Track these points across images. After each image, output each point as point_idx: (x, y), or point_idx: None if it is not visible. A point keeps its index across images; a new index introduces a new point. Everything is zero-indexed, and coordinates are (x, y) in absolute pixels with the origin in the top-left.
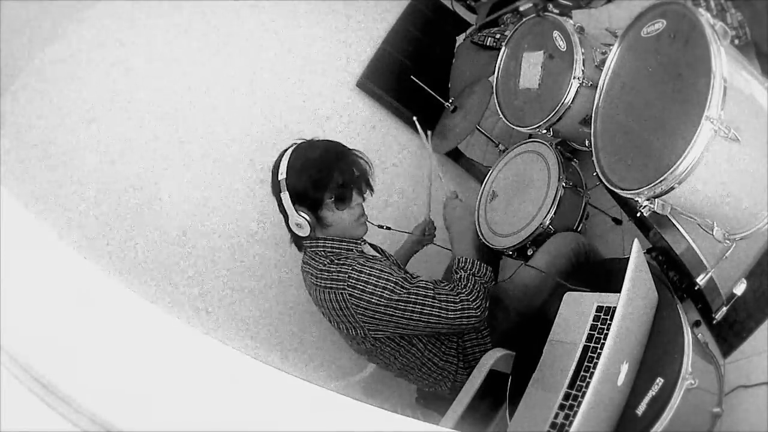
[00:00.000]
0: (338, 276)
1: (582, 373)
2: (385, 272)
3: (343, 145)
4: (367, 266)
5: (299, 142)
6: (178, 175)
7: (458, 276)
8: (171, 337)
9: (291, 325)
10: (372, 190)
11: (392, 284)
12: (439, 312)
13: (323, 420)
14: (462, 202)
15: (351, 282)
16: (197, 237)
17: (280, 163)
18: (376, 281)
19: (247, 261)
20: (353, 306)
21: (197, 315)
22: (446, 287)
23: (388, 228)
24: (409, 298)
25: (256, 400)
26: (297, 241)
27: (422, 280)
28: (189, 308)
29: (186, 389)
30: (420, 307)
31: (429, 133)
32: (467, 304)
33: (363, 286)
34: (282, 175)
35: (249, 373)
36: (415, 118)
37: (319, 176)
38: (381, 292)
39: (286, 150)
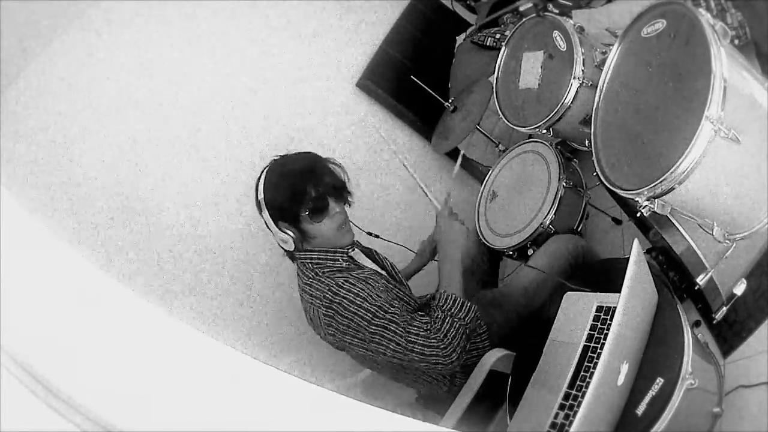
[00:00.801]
0: (317, 293)
1: (582, 373)
2: (361, 295)
3: (317, 156)
4: (345, 287)
5: (275, 158)
6: (177, 175)
7: (436, 315)
8: (171, 337)
9: (291, 325)
10: (350, 195)
11: (363, 311)
12: (404, 350)
13: (323, 420)
14: (460, 223)
15: (325, 302)
16: (198, 238)
17: (258, 183)
18: (348, 305)
19: (246, 262)
20: (326, 325)
21: (197, 315)
22: (421, 324)
23: (377, 236)
24: (376, 330)
25: (256, 400)
26: (288, 254)
27: (396, 314)
28: (189, 308)
29: (186, 389)
30: (386, 341)
31: (462, 153)
32: (437, 350)
33: (336, 307)
34: (260, 194)
35: (249, 373)
36: (461, 156)
37: (293, 191)
38: (351, 316)
39: (264, 169)
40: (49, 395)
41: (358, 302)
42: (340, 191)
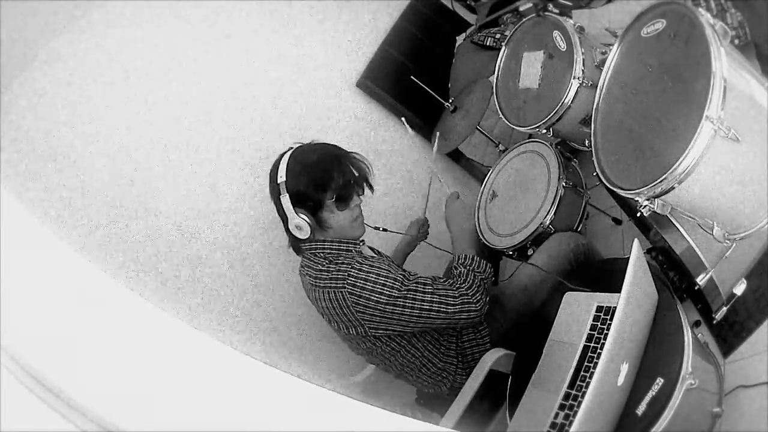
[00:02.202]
0: (337, 275)
1: (582, 373)
2: (384, 269)
3: (341, 148)
4: (366, 264)
5: (296, 145)
6: (177, 175)
7: (458, 272)
8: (171, 337)
9: (291, 325)
10: (372, 189)
11: (392, 281)
12: (438, 307)
13: (323, 420)
14: (463, 202)
15: (350, 280)
16: (198, 238)
17: (278, 167)
18: (375, 278)
19: (247, 262)
20: (353, 304)
21: (197, 315)
22: (445, 282)
23: (384, 230)
24: (408, 294)
25: (256, 400)
26: (295, 244)
27: (420, 277)
28: (189, 308)
29: (186, 389)
30: (419, 303)
31: (437, 133)
32: (467, 299)
33: (363, 284)
34: (281, 178)
35: (249, 373)
36: (402, 119)
37: (320, 177)
38: (381, 289)
39: (283, 154)
40: (49, 395)
41: (383, 274)
42: (366, 183)
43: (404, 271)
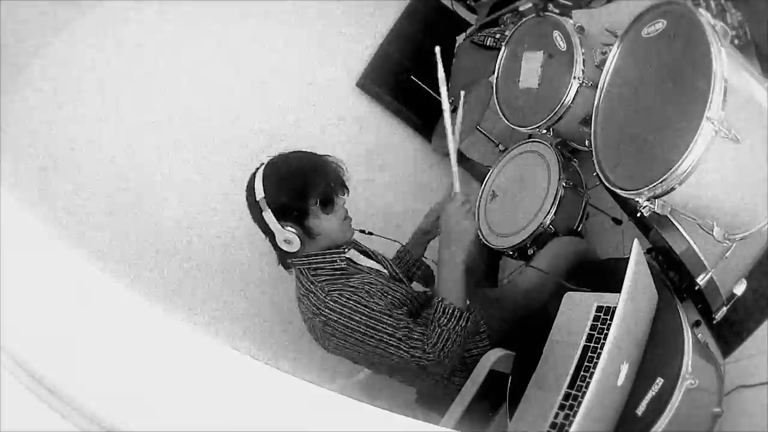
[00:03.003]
0: (313, 308)
1: (582, 373)
2: (358, 311)
3: (313, 152)
4: (340, 302)
5: (265, 161)
6: (177, 175)
7: (432, 327)
8: (171, 337)
9: (291, 325)
10: (347, 189)
11: (363, 327)
12: (406, 356)
13: (323, 420)
14: (473, 219)
15: (322, 318)
16: (199, 238)
17: (254, 185)
18: (346, 321)
19: (246, 262)
20: (329, 335)
21: (197, 315)
22: (420, 337)
23: (370, 233)
24: (378, 344)
25: (256, 400)
26: (284, 260)
27: (393, 326)
28: (188, 308)
29: (186, 389)
30: (388, 353)
31: (462, 94)
32: (435, 359)
33: (333, 324)
34: (260, 194)
35: (249, 373)
36: (437, 49)
37: (300, 185)
38: (350, 332)
39: (255, 172)
40: (49, 395)
41: (356, 318)
42: (343, 184)
43: (385, 305)
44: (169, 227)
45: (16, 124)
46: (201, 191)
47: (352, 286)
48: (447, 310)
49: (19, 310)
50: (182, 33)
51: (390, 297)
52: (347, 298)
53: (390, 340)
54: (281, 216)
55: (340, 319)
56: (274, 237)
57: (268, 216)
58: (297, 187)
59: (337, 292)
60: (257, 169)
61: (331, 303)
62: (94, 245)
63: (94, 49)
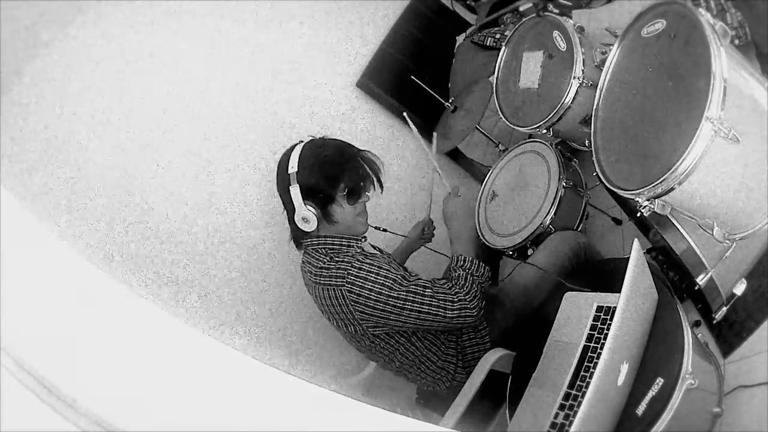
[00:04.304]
0: (337, 272)
1: (582, 373)
2: (383, 269)
3: (354, 146)
4: (366, 263)
5: (309, 139)
6: (177, 175)
7: (456, 274)
8: (171, 337)
9: (291, 325)
10: (382, 187)
11: (391, 281)
12: (437, 311)
13: (323, 420)
14: (463, 200)
15: (350, 279)
16: (199, 238)
17: (289, 158)
18: (375, 278)
19: (246, 261)
20: (352, 303)
21: (197, 315)
22: (444, 285)
23: (385, 230)
24: (407, 296)
25: (256, 400)
26: (297, 237)
27: (420, 279)
28: (188, 308)
29: (186, 389)
30: (418, 305)
31: (435, 134)
32: (464, 304)
33: (362, 282)
34: (293, 168)
35: (249, 373)
36: (405, 114)
37: (334, 171)
38: (380, 288)
39: (294, 146)
40: (49, 395)
41: (383, 273)
42: (377, 180)
43: (405, 270)
44: (170, 227)
45: (16, 124)
46: (201, 191)
47: (371, 258)
48: (467, 259)
49: (20, 310)
50: (183, 33)
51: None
52: (370, 263)
53: (417, 289)
54: (307, 195)
55: (368, 276)
56: (293, 213)
57: (295, 191)
58: (330, 172)
59: (358, 261)
60: (297, 144)
61: (357, 264)
62: (94, 245)
63: (95, 49)
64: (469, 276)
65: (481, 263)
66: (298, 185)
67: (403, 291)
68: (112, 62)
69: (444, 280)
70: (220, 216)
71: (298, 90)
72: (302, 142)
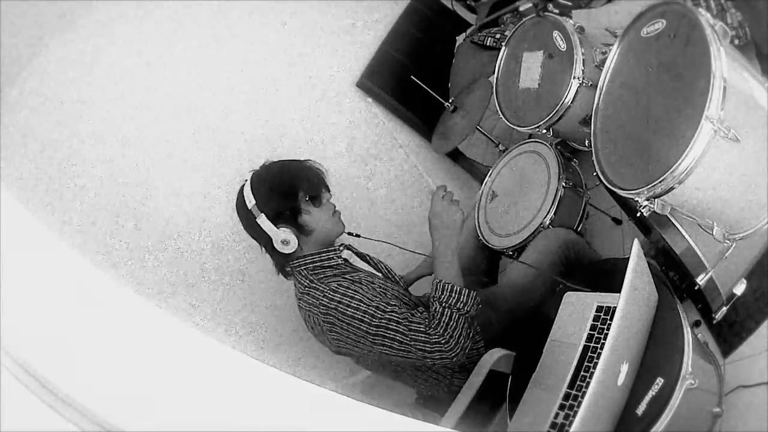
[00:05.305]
0: (313, 301)
1: (582, 373)
2: (357, 297)
3: (292, 159)
4: (341, 290)
5: (250, 172)
6: (177, 175)
7: (434, 309)
8: (171, 338)
9: (291, 325)
10: (329, 190)
11: (361, 313)
12: (408, 348)
13: (323, 420)
14: (458, 206)
15: (323, 309)
16: (199, 238)
17: (243, 197)
18: (345, 309)
19: (247, 263)
20: (327, 331)
21: (197, 315)
22: (420, 325)
23: (357, 235)
24: (377, 331)
25: (256, 400)
26: (282, 267)
27: (395, 311)
28: (188, 308)
29: (186, 389)
30: (389, 341)
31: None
32: (440, 346)
33: (334, 312)
34: (251, 202)
35: (249, 373)
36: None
37: (288, 186)
38: (349, 320)
39: (242, 186)
40: (49, 395)
41: (354, 305)
42: (324, 182)
43: (383, 299)
44: (171, 228)
45: (16, 124)
46: (202, 191)
47: (352, 280)
48: (446, 288)
49: (19, 310)
50: (183, 33)
51: (389, 294)
52: (346, 288)
53: (389, 325)
54: (275, 218)
55: (339, 307)
56: (271, 243)
57: (263, 220)
58: (285, 187)
59: (336, 283)
60: (243, 185)
61: (330, 293)
62: (94, 245)
63: (95, 49)
64: (447, 310)
65: (464, 291)
66: (263, 214)
67: (373, 326)
68: (113, 62)
69: (424, 314)
70: (221, 218)
71: (298, 90)
72: (245, 180)
